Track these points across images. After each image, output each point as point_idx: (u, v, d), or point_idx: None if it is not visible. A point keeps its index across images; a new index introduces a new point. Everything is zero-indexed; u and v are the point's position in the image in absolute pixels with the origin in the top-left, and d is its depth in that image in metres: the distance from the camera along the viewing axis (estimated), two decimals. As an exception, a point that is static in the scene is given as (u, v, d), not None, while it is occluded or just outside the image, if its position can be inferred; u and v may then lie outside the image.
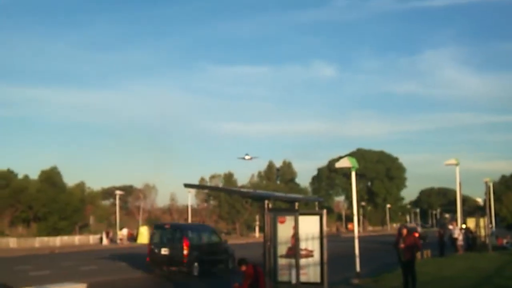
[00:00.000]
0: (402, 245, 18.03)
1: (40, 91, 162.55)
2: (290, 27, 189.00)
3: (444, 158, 39.73)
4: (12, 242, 56.51)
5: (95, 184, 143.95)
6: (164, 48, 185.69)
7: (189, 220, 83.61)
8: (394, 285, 17.95)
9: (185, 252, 24.35)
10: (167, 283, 22.98)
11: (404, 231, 18.83)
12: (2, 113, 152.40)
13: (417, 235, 40.88)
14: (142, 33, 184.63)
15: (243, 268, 13.57)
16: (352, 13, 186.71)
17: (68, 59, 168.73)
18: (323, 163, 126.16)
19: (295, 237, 14.04)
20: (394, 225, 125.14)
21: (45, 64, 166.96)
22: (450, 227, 44.49)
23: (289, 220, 14.43)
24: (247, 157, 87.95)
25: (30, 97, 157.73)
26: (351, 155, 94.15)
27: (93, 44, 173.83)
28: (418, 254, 31.58)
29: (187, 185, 17.05)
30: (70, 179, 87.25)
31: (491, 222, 49.26)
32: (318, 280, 14.85)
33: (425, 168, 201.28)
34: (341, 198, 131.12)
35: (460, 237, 40.15)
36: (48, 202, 66.35)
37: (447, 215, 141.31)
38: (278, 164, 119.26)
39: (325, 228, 15.23)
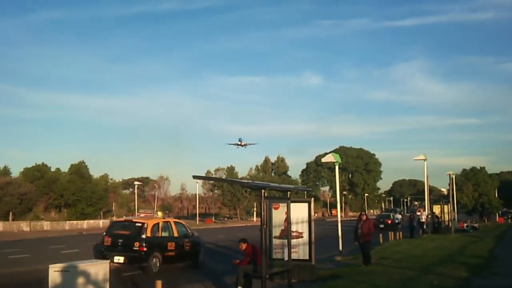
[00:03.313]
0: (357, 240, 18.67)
1: (71, 96, 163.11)
2: (283, 43, 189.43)
3: (413, 154, 39.76)
4: (46, 225, 56.51)
5: (117, 175, 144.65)
6: (175, 60, 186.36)
7: (197, 207, 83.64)
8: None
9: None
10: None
11: (363, 217, 18.92)
12: (39, 114, 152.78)
13: None
14: (157, 47, 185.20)
15: (243, 246, 13.56)
16: (335, 31, 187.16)
17: (94, 69, 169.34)
18: (311, 158, 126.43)
19: (287, 221, 14.04)
20: (372, 211, 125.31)
21: (75, 73, 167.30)
22: (418, 213, 44.60)
23: (282, 207, 14.45)
24: (241, 142, 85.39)
25: (62, 101, 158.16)
26: (335, 151, 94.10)
27: (115, 57, 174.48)
28: (392, 235, 31.85)
29: (195, 177, 17.10)
30: (95, 172, 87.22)
31: (454, 209, 49.35)
32: (307, 257, 14.92)
33: (397, 162, 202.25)
34: (326, 188, 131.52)
35: (423, 218, 40.40)
36: (77, 191, 66.32)
37: (416, 203, 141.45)
38: (273, 159, 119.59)
39: (312, 213, 15.29)
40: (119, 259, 17.20)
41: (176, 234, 19.32)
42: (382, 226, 47.23)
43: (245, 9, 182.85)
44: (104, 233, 19.10)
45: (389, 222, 50.90)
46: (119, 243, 17.85)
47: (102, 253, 17.72)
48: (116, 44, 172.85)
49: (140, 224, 18.39)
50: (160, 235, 18.59)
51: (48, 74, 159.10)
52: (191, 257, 19.71)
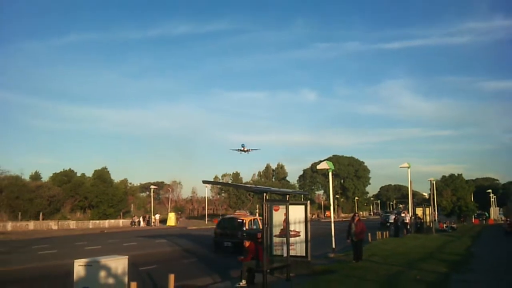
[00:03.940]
0: (349, 238, 18.67)
1: (95, 109, 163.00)
2: (283, 62, 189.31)
3: (398, 162, 39.61)
4: (72, 224, 56.40)
5: (135, 180, 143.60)
6: (187, 77, 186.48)
7: (206, 208, 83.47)
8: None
9: None
10: (189, 255, 22.86)
11: (356, 218, 18.81)
12: (67, 126, 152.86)
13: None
14: (170, 66, 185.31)
15: (247, 244, 13.50)
16: (330, 52, 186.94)
17: (115, 85, 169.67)
18: (308, 165, 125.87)
19: (286, 221, 14.01)
20: (361, 212, 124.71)
21: (99, 89, 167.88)
22: (403, 215, 44.36)
23: (282, 209, 14.43)
24: (243, 148, 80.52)
25: (87, 114, 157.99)
26: (328, 159, 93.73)
27: (134, 74, 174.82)
28: (379, 234, 31.68)
29: (205, 181, 17.17)
30: (116, 176, 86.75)
31: (435, 211, 49.13)
32: (303, 254, 14.85)
33: (384, 169, 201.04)
34: (321, 192, 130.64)
35: (407, 220, 40.13)
36: (99, 194, 66.25)
37: (401, 206, 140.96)
38: (273, 166, 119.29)
39: (308, 214, 15.24)
40: (228, 243, 22.22)
41: (261, 227, 22.69)
42: (388, 224, 51.56)
43: (250, 33, 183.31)
44: (216, 227, 25.45)
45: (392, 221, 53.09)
46: (227, 233, 23.37)
47: (214, 239, 24.00)
48: (135, 63, 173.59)
49: (240, 220, 24.00)
50: (252, 227, 23.76)
51: (74, 90, 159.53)
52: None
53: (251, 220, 24.60)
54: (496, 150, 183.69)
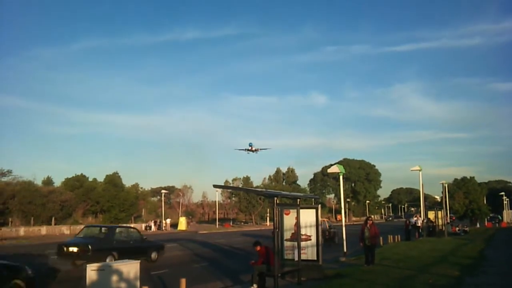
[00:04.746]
0: (362, 242, 18.25)
1: (106, 115, 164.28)
2: (293, 66, 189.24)
3: (410, 165, 39.13)
4: (84, 229, 56.78)
5: (146, 185, 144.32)
6: (198, 83, 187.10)
7: (217, 212, 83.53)
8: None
9: None
10: (200, 259, 22.85)
11: (369, 222, 18.67)
12: (78, 131, 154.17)
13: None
14: (181, 71, 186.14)
15: (258, 248, 13.49)
16: (339, 56, 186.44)
17: (126, 91, 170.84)
18: (318, 169, 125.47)
19: (297, 225, 13.99)
20: (373, 216, 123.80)
21: (110, 95, 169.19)
22: (414, 218, 44.02)
23: (293, 212, 14.41)
24: (251, 147, 74.06)
25: (99, 119, 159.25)
26: (339, 163, 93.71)
27: (145, 80, 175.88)
28: (390, 238, 31.47)
29: (215, 186, 17.14)
30: (127, 181, 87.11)
31: (447, 214, 48.68)
32: (314, 258, 14.81)
33: (395, 172, 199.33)
34: (331, 196, 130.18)
35: (418, 223, 39.74)
36: (111, 198, 66.61)
37: (412, 209, 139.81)
38: (284, 169, 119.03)
39: (319, 218, 15.19)
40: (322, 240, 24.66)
41: (327, 226, 33.89)
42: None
43: (259, 37, 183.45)
44: None
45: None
46: None
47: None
48: (145, 69, 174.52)
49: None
50: (327, 227, 33.55)
51: (86, 96, 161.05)
52: (333, 239, 32.19)
53: (323, 221, 32.14)
54: (508, 152, 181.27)
